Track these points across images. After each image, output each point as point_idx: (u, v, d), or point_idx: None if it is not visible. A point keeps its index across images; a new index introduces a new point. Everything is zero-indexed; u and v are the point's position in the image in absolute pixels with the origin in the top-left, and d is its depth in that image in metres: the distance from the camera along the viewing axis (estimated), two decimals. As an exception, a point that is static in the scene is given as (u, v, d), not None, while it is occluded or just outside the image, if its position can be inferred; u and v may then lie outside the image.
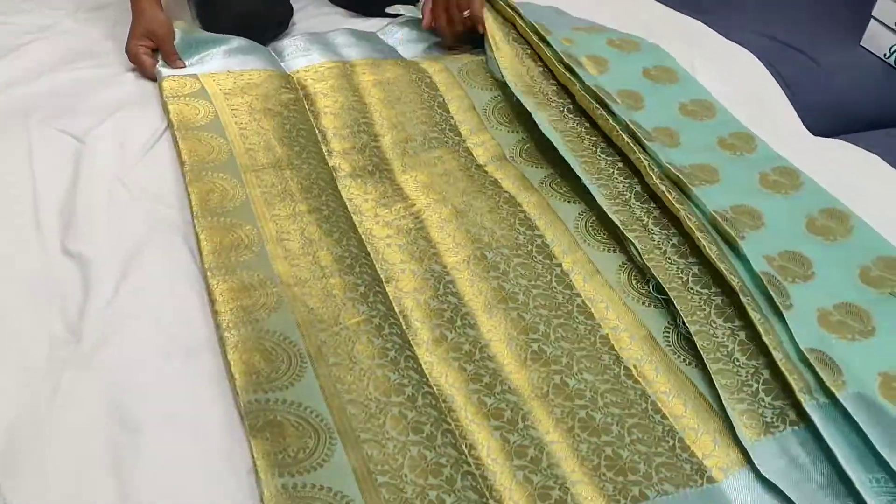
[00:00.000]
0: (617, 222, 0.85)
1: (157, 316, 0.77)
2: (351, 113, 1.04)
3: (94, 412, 0.69)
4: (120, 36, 1.17)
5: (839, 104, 1.22)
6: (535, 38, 1.09)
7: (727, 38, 1.29)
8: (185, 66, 1.10)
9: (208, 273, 0.79)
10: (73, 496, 0.63)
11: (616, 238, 0.88)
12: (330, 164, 0.97)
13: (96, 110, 1.04)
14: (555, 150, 0.95)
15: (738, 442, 0.70)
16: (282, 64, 1.15)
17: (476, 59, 1.16)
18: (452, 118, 1.06)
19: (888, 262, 0.84)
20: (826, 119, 1.16)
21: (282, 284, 0.79)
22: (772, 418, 0.70)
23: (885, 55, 1.27)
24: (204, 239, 0.83)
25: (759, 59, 1.25)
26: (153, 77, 1.10)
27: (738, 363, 0.73)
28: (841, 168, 0.96)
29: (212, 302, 0.77)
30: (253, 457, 0.65)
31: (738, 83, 1.18)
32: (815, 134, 1.13)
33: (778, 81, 1.22)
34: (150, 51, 1.12)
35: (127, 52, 1.12)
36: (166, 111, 1.01)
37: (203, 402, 0.71)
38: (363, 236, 0.88)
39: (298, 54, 1.17)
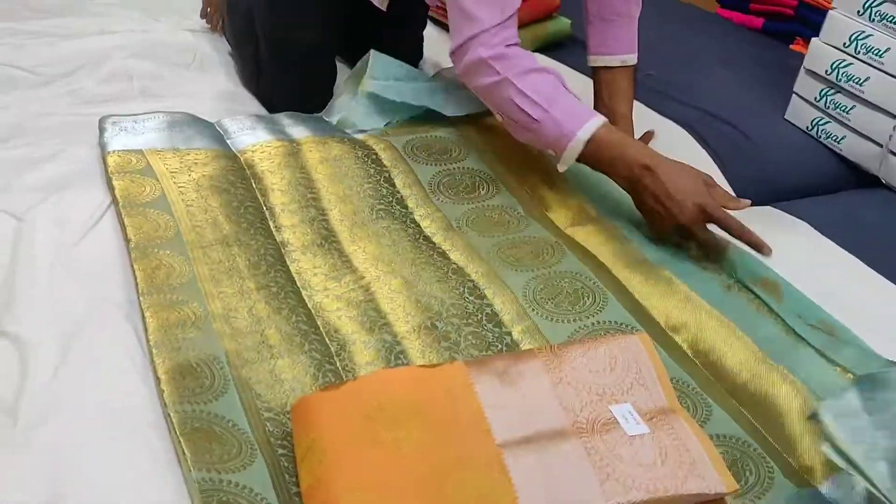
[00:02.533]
0: None
1: (98, 396, 0.75)
2: (298, 189, 1.05)
3: (31, 496, 0.66)
4: (56, 110, 1.18)
5: (767, 174, 1.28)
6: None
7: (659, 111, 1.35)
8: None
9: (153, 350, 0.78)
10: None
11: (564, 307, 0.90)
12: (278, 240, 0.97)
13: (36, 188, 1.02)
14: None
15: None
16: (227, 141, 1.16)
17: (420, 135, 1.19)
18: (399, 192, 1.08)
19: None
20: (755, 188, 1.21)
21: (228, 366, 0.78)
22: None
23: (807, 128, 1.35)
24: (149, 316, 0.81)
25: (690, 131, 1.31)
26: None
27: None
28: (772, 233, 1.00)
29: (157, 380, 0.75)
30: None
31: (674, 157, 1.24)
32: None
33: (709, 153, 1.28)
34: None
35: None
36: (111, 187, 1.00)
37: (149, 485, 0.68)
38: (312, 310, 0.87)
39: (245, 132, 1.18)
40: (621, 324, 0.89)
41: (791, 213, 1.15)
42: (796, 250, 1.02)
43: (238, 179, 1.05)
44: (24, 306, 0.85)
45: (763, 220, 1.10)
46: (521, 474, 0.68)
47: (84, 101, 1.28)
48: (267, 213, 1.01)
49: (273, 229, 0.99)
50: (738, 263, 0.96)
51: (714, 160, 1.27)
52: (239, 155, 1.12)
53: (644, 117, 1.32)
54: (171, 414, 0.71)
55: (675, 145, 1.27)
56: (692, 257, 0.99)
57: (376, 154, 1.14)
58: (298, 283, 0.91)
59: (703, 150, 1.28)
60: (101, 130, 1.13)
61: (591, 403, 0.76)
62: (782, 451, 0.76)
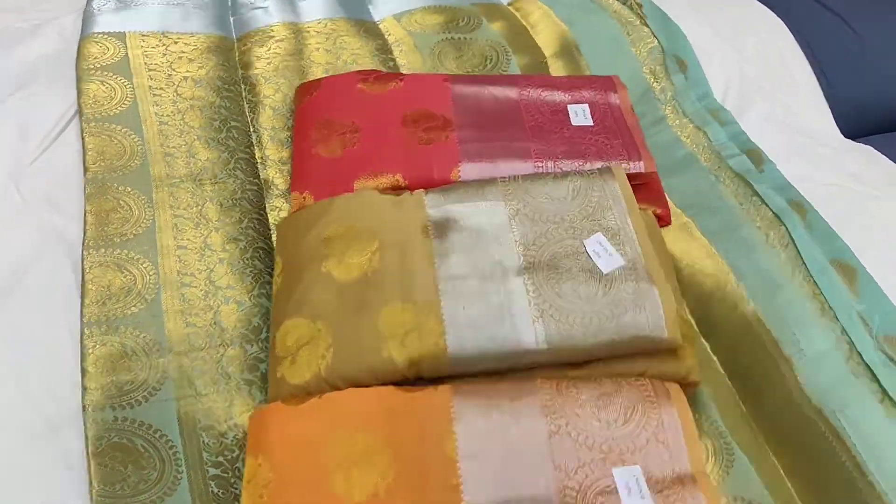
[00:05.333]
0: None
1: (23, 376, 0.66)
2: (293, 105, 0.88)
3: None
4: None
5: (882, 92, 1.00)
6: None
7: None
8: None
9: (85, 331, 0.67)
10: None
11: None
12: (262, 177, 0.82)
13: (7, 75, 0.90)
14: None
15: None
16: (231, 19, 0.98)
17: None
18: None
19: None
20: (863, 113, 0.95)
21: (169, 353, 0.66)
22: None
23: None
24: (90, 279, 0.70)
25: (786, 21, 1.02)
26: None
27: None
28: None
29: (83, 372, 0.64)
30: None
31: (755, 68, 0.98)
32: (845, 128, 0.95)
33: (808, 59, 1.00)
34: None
35: None
36: (79, 90, 0.85)
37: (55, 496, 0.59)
38: (284, 278, 0.74)
39: (258, 4, 0.99)
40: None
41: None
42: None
43: (226, 85, 0.89)
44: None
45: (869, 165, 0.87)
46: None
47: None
48: (254, 137, 0.85)
49: (258, 161, 0.83)
50: None
51: (814, 71, 0.99)
52: (236, 45, 0.94)
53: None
54: (89, 424, 0.62)
55: (765, 46, 0.99)
56: None
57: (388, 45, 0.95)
58: (273, 240, 0.76)
59: (801, 53, 0.99)
60: (92, -7, 0.97)
61: (590, 463, 0.61)
62: None
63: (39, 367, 0.67)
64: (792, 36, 1.00)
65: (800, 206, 0.79)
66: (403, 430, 0.61)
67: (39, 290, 0.72)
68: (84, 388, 0.64)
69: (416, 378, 0.64)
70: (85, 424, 0.62)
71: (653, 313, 0.63)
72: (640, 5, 0.99)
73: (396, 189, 0.75)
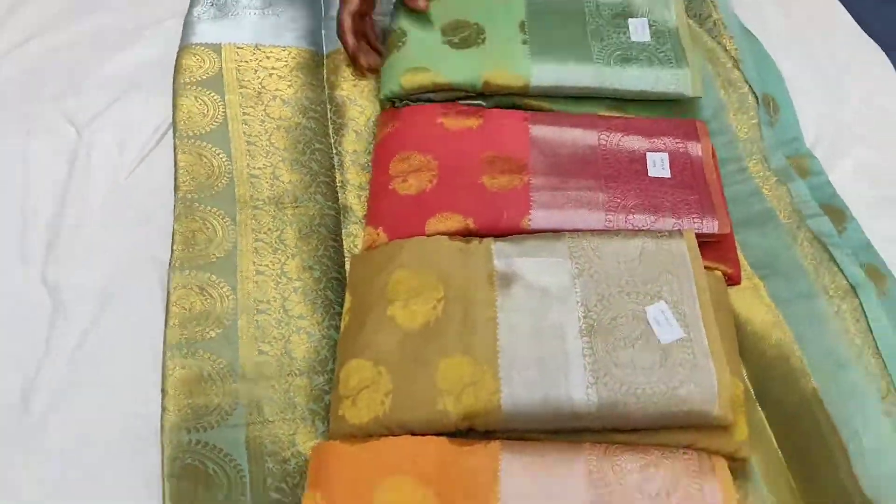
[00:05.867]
0: None
1: (109, 394, 0.72)
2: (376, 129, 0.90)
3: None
4: None
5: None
6: None
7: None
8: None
9: (167, 353, 0.72)
10: None
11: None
12: (340, 202, 0.85)
13: (106, 85, 0.95)
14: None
15: None
16: (322, 33, 1.00)
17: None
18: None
19: None
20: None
21: (241, 379, 0.71)
22: None
23: None
24: (174, 301, 0.75)
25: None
26: (356, 57, 0.92)
27: None
28: None
29: (163, 393, 0.70)
30: None
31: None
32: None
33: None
34: (359, 18, 0.93)
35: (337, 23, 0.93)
36: (174, 105, 0.89)
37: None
38: (353, 309, 0.77)
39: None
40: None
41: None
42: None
43: (313, 106, 0.91)
44: (68, 250, 0.82)
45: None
46: None
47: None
48: (335, 160, 0.88)
49: (338, 185, 0.86)
50: None
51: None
52: (325, 62, 0.97)
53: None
54: (166, 444, 0.67)
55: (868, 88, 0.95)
56: None
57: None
58: (346, 268, 0.79)
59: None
60: (192, 2, 1.01)
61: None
62: None
63: (125, 385, 0.72)
64: (898, 77, 0.95)
65: (879, 272, 0.77)
66: (452, 482, 0.64)
67: (129, 308, 0.77)
68: (164, 409, 0.69)
69: (469, 429, 0.66)
70: (162, 445, 0.67)
71: (707, 390, 0.64)
72: (734, 46, 0.96)
73: (467, 233, 0.76)
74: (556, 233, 0.74)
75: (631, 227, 0.75)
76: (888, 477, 0.65)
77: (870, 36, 1.02)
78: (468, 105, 0.87)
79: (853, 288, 0.74)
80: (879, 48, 0.98)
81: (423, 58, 0.88)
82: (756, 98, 0.90)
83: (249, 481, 0.67)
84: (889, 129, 0.93)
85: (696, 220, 0.75)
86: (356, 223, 0.83)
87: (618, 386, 0.65)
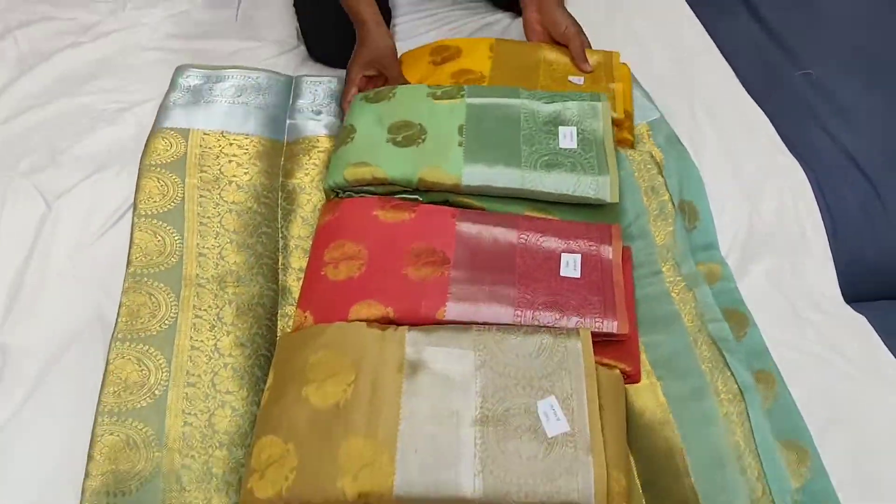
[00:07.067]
0: None
1: (41, 454, 0.77)
2: (323, 217, 0.97)
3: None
4: (154, 44, 1.22)
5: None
6: None
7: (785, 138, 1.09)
8: None
9: (98, 419, 0.78)
10: None
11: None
12: (280, 283, 0.91)
13: (82, 161, 1.03)
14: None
15: None
16: (288, 122, 1.09)
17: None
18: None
19: None
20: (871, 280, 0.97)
21: (165, 448, 0.76)
22: None
23: None
24: (111, 371, 0.81)
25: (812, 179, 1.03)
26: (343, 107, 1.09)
27: None
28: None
29: (89, 457, 0.75)
30: None
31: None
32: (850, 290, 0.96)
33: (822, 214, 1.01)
34: (367, 78, 1.11)
35: (347, 73, 1.12)
36: (137, 186, 0.97)
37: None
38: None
39: (310, 110, 1.10)
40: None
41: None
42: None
43: (266, 192, 0.99)
44: (23, 312, 0.88)
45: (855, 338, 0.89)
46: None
47: (179, 34, 1.27)
48: (281, 243, 0.95)
49: (280, 268, 0.93)
50: None
51: (823, 222, 1.00)
52: (284, 151, 1.05)
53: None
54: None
55: (783, 198, 1.01)
56: None
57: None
58: (276, 348, 0.85)
59: (817, 208, 1.00)
60: (172, 85, 1.10)
61: None
62: None
63: (59, 446, 0.78)
64: (812, 191, 1.01)
65: (770, 378, 0.82)
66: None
67: (75, 369, 0.84)
68: (87, 475, 0.74)
69: (366, 509, 0.71)
70: (79, 513, 0.73)
71: (584, 483, 0.69)
72: (660, 153, 1.03)
73: (386, 320, 0.82)
74: (466, 325, 0.80)
75: (537, 324, 0.81)
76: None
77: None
78: (404, 199, 0.94)
79: (742, 392, 0.79)
80: (797, 160, 1.05)
81: (366, 153, 0.96)
82: (674, 205, 0.97)
83: None
84: (796, 238, 0.99)
85: (597, 319, 0.81)
86: (292, 305, 0.89)
87: (503, 474, 0.69)
